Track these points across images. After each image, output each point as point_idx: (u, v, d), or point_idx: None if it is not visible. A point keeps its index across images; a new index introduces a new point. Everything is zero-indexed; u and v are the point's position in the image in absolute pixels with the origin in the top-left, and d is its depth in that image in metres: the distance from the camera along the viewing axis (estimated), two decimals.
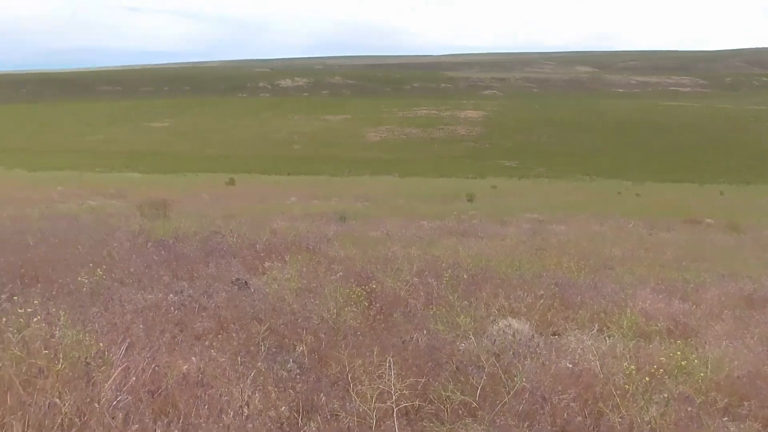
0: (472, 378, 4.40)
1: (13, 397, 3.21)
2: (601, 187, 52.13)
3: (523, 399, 4.23)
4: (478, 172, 66.19)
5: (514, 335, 5.56)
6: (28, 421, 3.10)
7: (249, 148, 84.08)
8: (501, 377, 4.46)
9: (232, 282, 7.49)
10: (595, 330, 6.22)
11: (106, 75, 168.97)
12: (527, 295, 7.22)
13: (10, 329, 3.74)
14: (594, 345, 5.44)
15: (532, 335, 5.84)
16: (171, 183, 41.25)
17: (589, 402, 4.38)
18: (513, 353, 5.06)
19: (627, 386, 4.33)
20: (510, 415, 4.06)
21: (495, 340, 5.44)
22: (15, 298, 4.63)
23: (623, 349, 5.36)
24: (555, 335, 6.35)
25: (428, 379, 4.43)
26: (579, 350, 5.47)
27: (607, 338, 5.93)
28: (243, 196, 31.03)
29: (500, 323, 6.08)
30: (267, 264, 8.86)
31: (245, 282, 7.58)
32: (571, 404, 4.24)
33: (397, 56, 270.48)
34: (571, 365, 4.97)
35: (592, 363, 4.95)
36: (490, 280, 8.17)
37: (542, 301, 7.06)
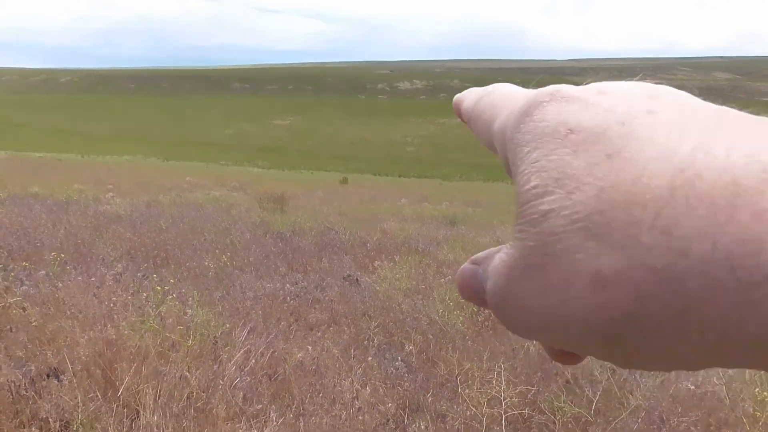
0: (586, 391, 4.25)
1: (149, 367, 3.49)
2: None
3: (639, 418, 4.04)
4: None
5: None
6: (161, 390, 3.35)
7: (363, 148, 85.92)
8: (616, 393, 4.28)
9: (343, 278, 7.70)
10: None
11: (238, 73, 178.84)
12: None
13: (149, 304, 4.07)
14: (720, 367, 5.08)
15: None
16: (289, 179, 42.96)
17: (712, 427, 4.10)
18: (629, 370, 4.84)
19: (758, 413, 4.02)
20: None
21: None
22: (154, 276, 5.02)
23: (753, 374, 4.97)
24: None
25: (539, 389, 4.34)
26: (702, 372, 5.13)
27: None
28: (355, 195, 31.74)
29: None
30: (377, 263, 9.02)
31: (356, 279, 7.76)
32: (692, 428, 3.99)
33: (519, 60, 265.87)
34: (693, 387, 4.67)
35: (717, 386, 4.63)
36: None
37: None
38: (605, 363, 4.74)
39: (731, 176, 0.21)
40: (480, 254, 0.32)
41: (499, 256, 0.29)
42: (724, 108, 0.27)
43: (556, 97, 0.29)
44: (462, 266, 0.33)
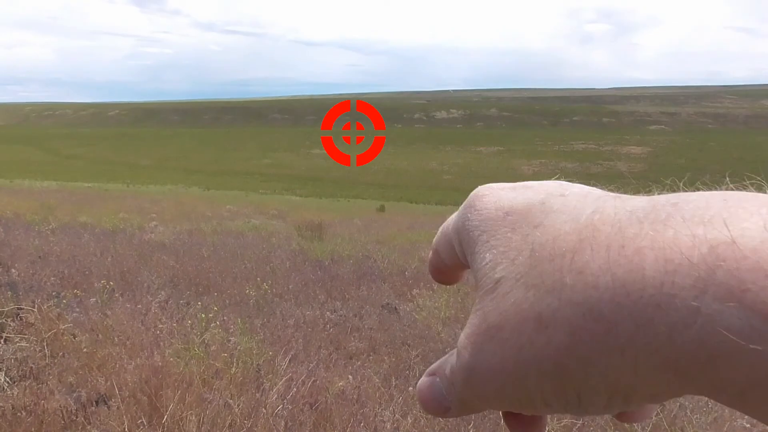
0: (636, 427, 4.14)
1: (193, 394, 3.54)
2: None
3: None
4: None
5: None
6: (204, 417, 3.40)
7: (400, 176, 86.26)
8: (666, 429, 4.15)
9: (382, 306, 7.70)
10: None
11: (277, 104, 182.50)
12: None
13: (194, 331, 4.15)
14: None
15: None
16: (326, 207, 43.34)
17: None
18: (679, 405, 4.69)
19: None
20: None
21: None
22: (199, 303, 5.12)
23: None
24: None
25: (584, 422, 4.24)
26: None
27: None
28: (392, 223, 31.80)
29: None
30: (415, 291, 9.00)
31: (395, 307, 7.75)
32: None
33: (558, 89, 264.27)
34: (748, 425, 4.50)
35: None
36: None
37: None
38: None
39: (619, 226, 0.29)
40: (433, 365, 0.38)
41: (454, 355, 0.35)
42: (619, 195, 0.35)
43: (492, 190, 0.38)
44: (419, 380, 0.39)
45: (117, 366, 3.61)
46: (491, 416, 4.27)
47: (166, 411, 3.45)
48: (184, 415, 3.49)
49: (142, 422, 3.35)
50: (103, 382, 3.47)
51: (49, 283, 5.41)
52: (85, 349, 3.72)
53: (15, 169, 75.30)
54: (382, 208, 43.86)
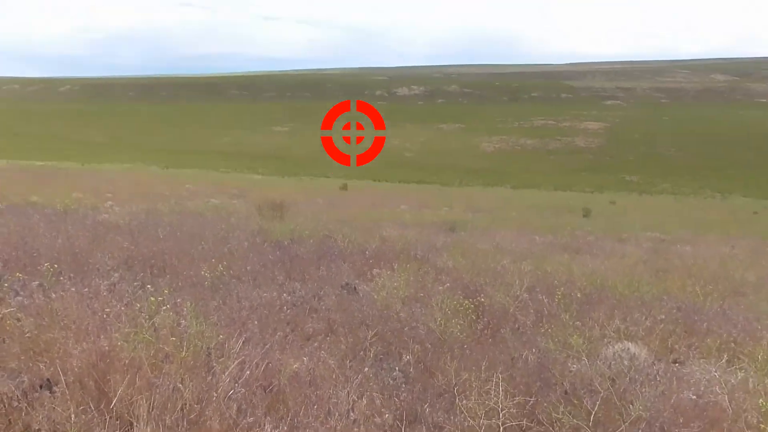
0: (584, 402, 4.21)
1: (143, 378, 3.46)
2: (734, 206, 48.34)
3: (639, 428, 3.99)
4: (597, 186, 63.61)
5: (631, 360, 5.27)
6: (154, 402, 3.32)
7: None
8: (616, 403, 4.23)
9: (341, 286, 7.66)
10: (723, 361, 5.75)
11: (236, 80, 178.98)
12: (646, 319, 6.83)
13: (143, 315, 4.04)
14: (722, 377, 5.02)
15: (652, 362, 5.51)
16: (288, 186, 42.98)
17: None
18: (629, 379, 4.80)
19: (762, 425, 3.97)
20: None
21: (610, 363, 5.18)
22: (147, 287, 4.99)
23: (757, 384, 4.91)
24: (676, 363, 5.96)
25: (537, 399, 4.30)
26: (704, 381, 5.08)
27: (737, 371, 5.47)
28: (355, 202, 31.72)
29: (616, 346, 5.79)
30: (375, 270, 8.98)
31: (354, 287, 7.73)
32: None
33: (517, 65, 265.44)
34: (694, 396, 4.63)
35: (720, 396, 4.58)
36: (606, 301, 7.81)
37: (663, 325, 6.64)
38: (606, 372, 4.66)
39: None
40: None
41: None
42: None
43: None
44: None
45: (62, 351, 3.49)
46: (447, 396, 4.29)
47: (115, 396, 3.36)
48: (133, 399, 3.41)
49: (89, 407, 3.25)
50: (47, 367, 3.36)
51: None
52: (28, 334, 3.59)
53: None
54: (345, 187, 43.68)
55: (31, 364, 3.38)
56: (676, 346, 6.30)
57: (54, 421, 2.92)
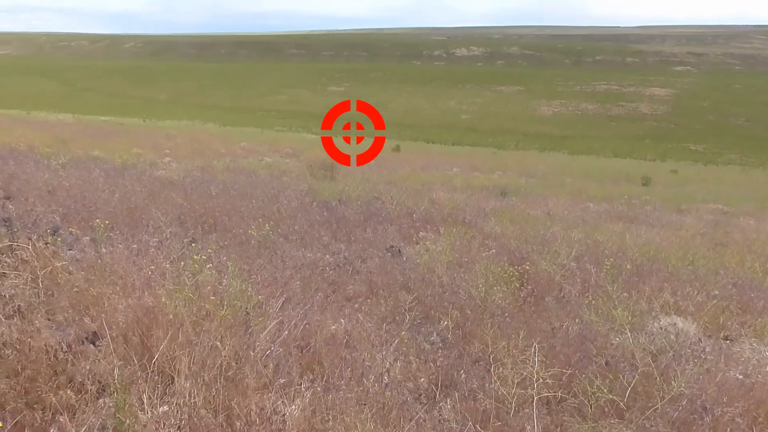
0: (623, 376, 4.12)
1: (184, 335, 3.57)
2: None
3: (679, 406, 3.88)
4: (659, 154, 61.40)
5: (677, 335, 5.12)
6: (194, 358, 3.43)
7: (417, 115, 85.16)
8: (656, 379, 4.13)
9: (386, 249, 7.68)
10: None
11: (294, 39, 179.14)
12: (698, 294, 6.60)
13: (186, 273, 4.15)
14: None
15: (699, 338, 5.34)
16: None
17: (760, 419, 3.92)
18: (673, 355, 4.66)
19: None
20: (662, 422, 3.76)
21: (654, 338, 5.04)
22: (192, 245, 5.12)
23: None
24: (726, 340, 5.77)
25: (575, 371, 4.23)
26: (754, 360, 4.91)
27: None
28: (407, 163, 31.59)
29: (663, 320, 5.64)
30: (422, 234, 8.96)
31: (399, 250, 7.74)
32: (737, 419, 3.81)
33: (582, 27, 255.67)
34: (741, 376, 4.48)
35: None
36: (657, 273, 7.58)
37: (715, 301, 6.41)
38: (648, 347, 4.54)
39: None
40: None
41: None
42: None
43: None
44: None
45: (108, 305, 3.63)
46: (482, 363, 4.28)
47: (157, 351, 3.48)
48: (175, 355, 3.53)
49: (132, 361, 3.39)
50: (93, 321, 3.50)
51: (47, 220, 5.43)
52: (76, 288, 3.74)
53: (31, 101, 75.38)
54: (397, 148, 43.49)
55: (78, 318, 3.53)
56: (728, 323, 6.08)
57: (97, 373, 3.05)
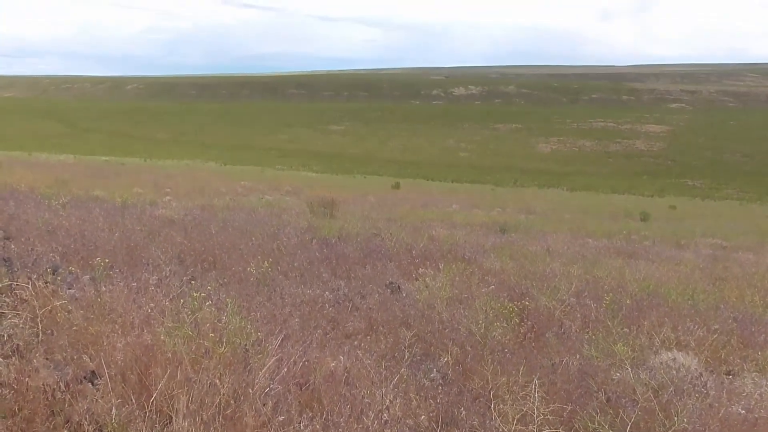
0: (624, 412, 4.09)
1: (182, 373, 3.55)
2: None
3: None
4: (657, 190, 61.73)
5: (678, 370, 5.09)
6: (192, 397, 3.41)
7: (416, 153, 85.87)
8: (658, 415, 4.09)
9: (385, 285, 7.68)
10: None
11: (294, 79, 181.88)
12: (699, 328, 6.57)
13: (186, 310, 4.16)
14: None
15: (701, 373, 5.30)
16: (341, 183, 43.35)
17: None
18: (675, 390, 4.63)
19: None
20: None
21: (655, 373, 5.01)
22: (192, 282, 5.12)
23: None
24: (728, 375, 5.73)
25: (575, 407, 4.20)
26: (756, 395, 4.87)
27: None
28: (406, 200, 31.74)
29: (663, 355, 5.60)
30: (421, 270, 8.95)
31: (398, 286, 7.73)
32: None
33: (577, 66, 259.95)
34: (744, 411, 4.43)
35: None
36: (657, 308, 7.56)
37: (716, 336, 6.38)
38: (649, 382, 4.52)
39: None
40: None
41: None
42: None
43: None
44: None
45: (107, 344, 3.63)
46: (483, 400, 4.25)
47: (155, 389, 3.47)
48: (173, 393, 3.51)
49: (130, 400, 3.37)
50: (92, 359, 3.49)
51: (47, 259, 5.46)
52: (75, 327, 3.74)
53: (33, 142, 76.05)
54: (397, 185, 43.78)
55: (76, 357, 3.53)
56: (730, 358, 6.04)
57: (95, 413, 3.03)
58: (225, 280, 6.60)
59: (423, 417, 3.98)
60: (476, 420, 3.95)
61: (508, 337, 5.90)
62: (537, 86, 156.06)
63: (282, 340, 4.35)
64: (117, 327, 3.87)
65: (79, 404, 3.09)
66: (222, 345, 3.74)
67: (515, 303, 6.64)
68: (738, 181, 69.51)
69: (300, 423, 3.43)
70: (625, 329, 6.24)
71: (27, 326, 3.71)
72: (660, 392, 4.46)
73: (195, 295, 4.22)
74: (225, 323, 4.08)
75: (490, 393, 4.27)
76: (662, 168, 79.41)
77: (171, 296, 4.66)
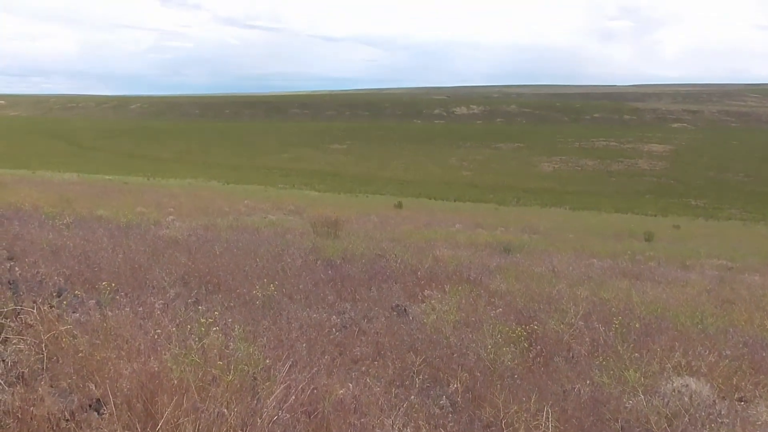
0: None
1: (189, 401, 3.48)
2: None
3: None
4: (660, 209, 61.66)
5: (691, 397, 5.00)
6: (199, 426, 3.34)
7: (419, 172, 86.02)
8: None
9: (391, 308, 7.60)
10: None
11: (297, 99, 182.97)
12: (710, 353, 6.48)
13: (193, 336, 4.10)
14: None
15: (714, 400, 5.21)
16: (344, 203, 43.35)
17: None
18: (689, 418, 4.55)
19: None
20: None
21: (668, 400, 4.92)
22: (199, 307, 5.06)
23: None
24: (741, 402, 5.63)
25: None
26: None
27: None
28: (409, 220, 31.68)
29: (675, 382, 5.51)
30: (427, 292, 8.88)
31: (404, 309, 7.66)
32: None
33: (579, 86, 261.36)
34: None
35: None
36: (666, 332, 7.47)
37: (728, 361, 6.29)
38: (662, 410, 4.43)
39: None
40: None
41: None
42: None
43: None
44: None
45: (113, 371, 3.56)
46: (494, 428, 4.16)
47: (161, 418, 3.40)
48: (179, 422, 3.44)
49: (135, 429, 3.30)
50: (97, 387, 3.43)
51: (52, 282, 5.41)
52: (81, 353, 3.68)
53: (38, 160, 76.43)
54: (399, 205, 43.80)
55: (82, 384, 3.46)
56: (742, 384, 5.94)
57: None
58: (230, 303, 6.54)
59: None
60: None
61: (516, 361, 5.82)
62: (538, 105, 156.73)
63: (289, 366, 4.28)
64: (123, 353, 3.80)
65: None
66: (230, 372, 3.68)
67: (523, 327, 6.56)
68: (741, 201, 69.44)
69: None
70: (635, 354, 6.15)
71: (32, 352, 3.65)
72: (674, 421, 4.37)
73: (202, 321, 4.16)
74: (232, 350, 4.02)
75: (501, 422, 4.18)
76: (665, 187, 79.40)
77: (177, 321, 4.60)
